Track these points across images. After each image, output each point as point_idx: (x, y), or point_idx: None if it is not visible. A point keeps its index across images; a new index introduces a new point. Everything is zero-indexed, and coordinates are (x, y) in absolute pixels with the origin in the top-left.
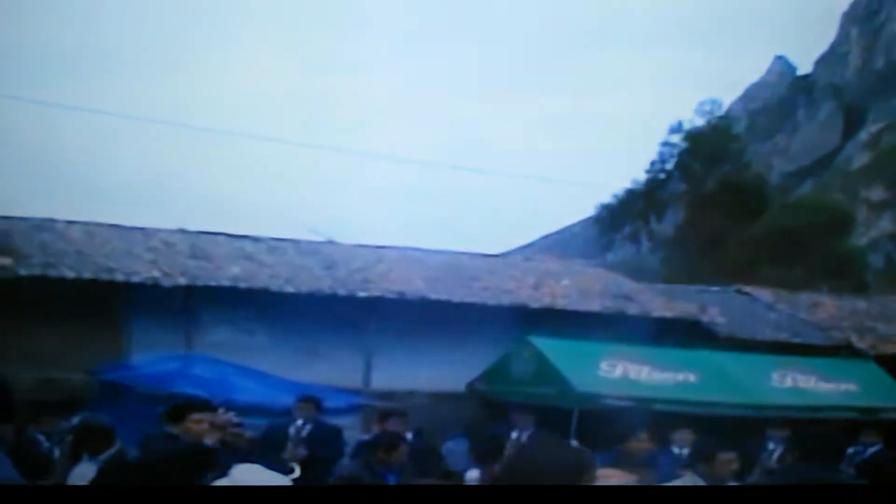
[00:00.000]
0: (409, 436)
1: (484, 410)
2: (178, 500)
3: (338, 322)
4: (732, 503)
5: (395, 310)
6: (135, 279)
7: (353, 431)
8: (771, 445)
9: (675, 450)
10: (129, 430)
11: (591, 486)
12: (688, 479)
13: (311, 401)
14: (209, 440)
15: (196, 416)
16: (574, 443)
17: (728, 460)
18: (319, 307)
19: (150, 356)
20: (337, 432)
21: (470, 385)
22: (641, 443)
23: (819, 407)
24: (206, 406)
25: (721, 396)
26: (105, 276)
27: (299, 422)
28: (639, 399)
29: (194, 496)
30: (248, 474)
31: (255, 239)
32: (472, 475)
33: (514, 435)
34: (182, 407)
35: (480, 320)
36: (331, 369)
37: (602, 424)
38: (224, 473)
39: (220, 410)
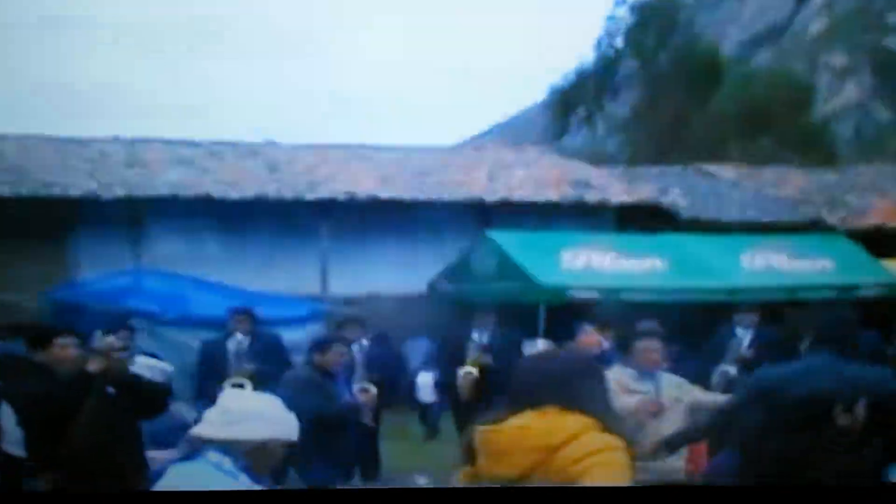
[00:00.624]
0: (361, 341)
1: (448, 311)
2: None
3: (289, 228)
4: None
5: (347, 212)
6: (73, 193)
7: None
8: (740, 332)
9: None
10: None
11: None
12: (616, 371)
13: (245, 313)
14: (92, 367)
15: (61, 340)
16: (542, 343)
17: (647, 349)
18: (268, 213)
19: (100, 273)
20: (278, 341)
21: (431, 285)
22: (590, 337)
23: (794, 287)
24: (71, 331)
25: (690, 282)
26: (43, 192)
27: (238, 336)
28: (605, 289)
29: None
30: (235, 401)
31: (193, 143)
32: (425, 379)
33: (475, 336)
34: (46, 332)
35: (437, 217)
36: (288, 277)
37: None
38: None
39: (98, 334)
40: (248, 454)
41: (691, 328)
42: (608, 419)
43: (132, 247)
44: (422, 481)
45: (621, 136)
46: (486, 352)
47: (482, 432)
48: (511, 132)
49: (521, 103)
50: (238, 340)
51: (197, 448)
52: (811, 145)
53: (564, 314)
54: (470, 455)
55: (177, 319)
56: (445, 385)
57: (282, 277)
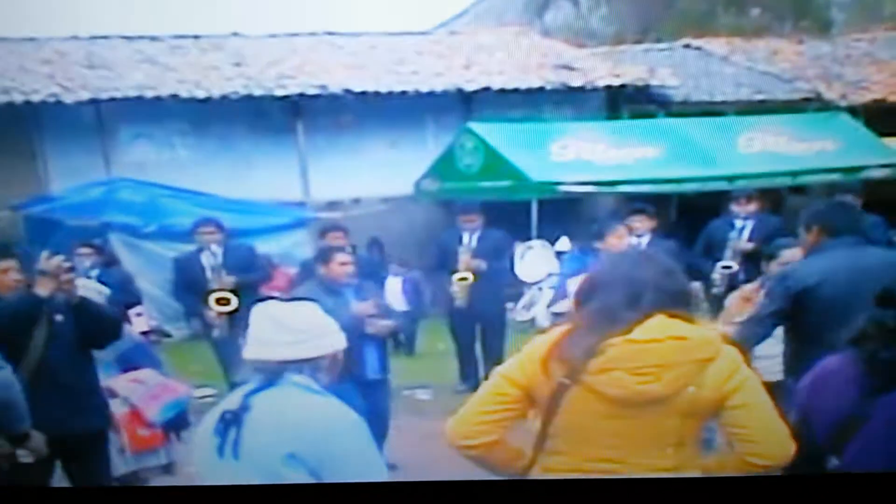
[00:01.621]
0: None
1: (436, 213)
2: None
3: (263, 126)
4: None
5: (321, 106)
6: (35, 98)
7: (302, 248)
8: (739, 223)
9: (633, 239)
10: None
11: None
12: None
13: (210, 223)
14: (42, 291)
15: (1, 264)
16: (538, 241)
17: (618, 234)
18: (239, 111)
19: (74, 185)
20: (251, 251)
21: (417, 185)
22: (621, 238)
23: (795, 171)
24: (12, 253)
25: (687, 170)
26: (3, 98)
27: (211, 247)
28: (599, 183)
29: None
30: (293, 316)
31: (154, 38)
32: (394, 285)
33: (464, 239)
34: None
35: (415, 109)
36: (267, 181)
37: (565, 216)
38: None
39: (45, 255)
40: (328, 369)
41: (686, 222)
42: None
43: (102, 154)
44: (424, 396)
45: (604, 9)
46: (476, 255)
47: (629, 344)
48: (489, 12)
49: None
50: (210, 254)
51: (272, 372)
52: (804, 13)
53: (557, 211)
54: (578, 369)
55: (157, 232)
56: (436, 294)
57: (260, 182)
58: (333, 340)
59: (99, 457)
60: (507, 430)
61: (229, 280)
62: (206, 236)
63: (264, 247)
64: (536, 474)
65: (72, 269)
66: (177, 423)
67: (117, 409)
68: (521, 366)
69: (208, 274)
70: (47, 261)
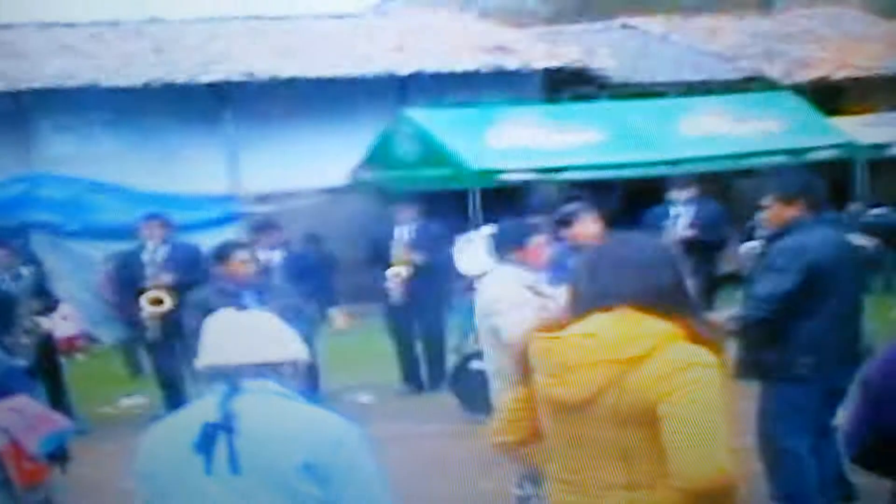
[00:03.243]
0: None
1: (376, 202)
2: None
3: (189, 116)
4: None
5: (249, 93)
6: None
7: None
8: (676, 210)
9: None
10: None
11: None
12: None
13: (156, 218)
14: None
15: None
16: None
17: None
18: (163, 100)
19: None
20: (196, 251)
21: (354, 174)
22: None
23: (740, 154)
24: None
25: (629, 155)
26: None
27: (150, 245)
28: (540, 170)
29: None
30: (242, 322)
31: (70, 25)
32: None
33: (399, 231)
34: None
35: (346, 95)
36: (194, 173)
37: (506, 206)
38: None
39: None
40: (287, 377)
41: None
42: (696, 324)
43: (21, 149)
44: (365, 400)
45: None
46: (412, 249)
47: (540, 341)
48: None
49: None
50: (151, 250)
51: (234, 376)
52: None
53: (497, 200)
54: (524, 370)
55: (80, 230)
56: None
57: (186, 174)
58: (294, 349)
59: None
60: (531, 430)
61: (167, 278)
62: (150, 230)
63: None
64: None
65: None
66: (58, 457)
67: None
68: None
69: (147, 271)
70: None
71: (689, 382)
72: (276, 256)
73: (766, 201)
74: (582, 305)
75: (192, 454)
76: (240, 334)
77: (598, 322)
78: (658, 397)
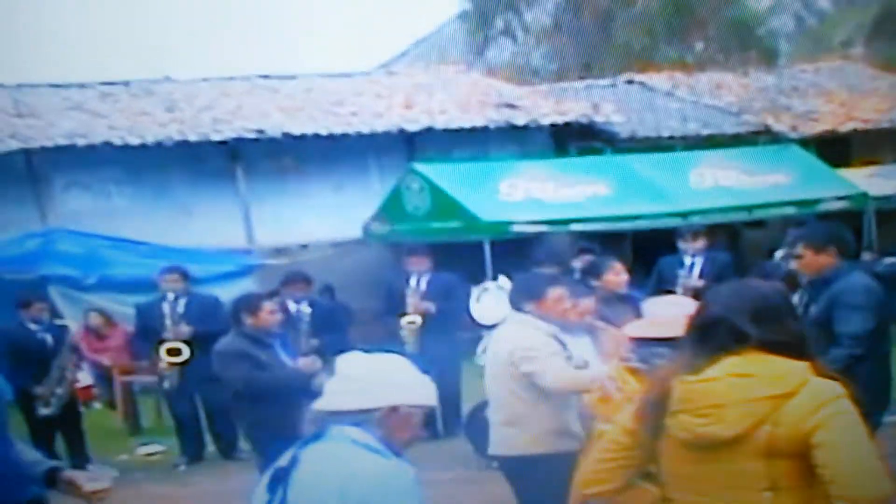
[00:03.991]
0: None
1: (387, 255)
2: None
3: (201, 172)
4: None
5: (260, 150)
6: None
7: None
8: (688, 261)
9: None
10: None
11: None
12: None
13: (175, 272)
14: None
15: None
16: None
17: (615, 271)
18: (175, 157)
19: (7, 237)
20: (216, 303)
21: (365, 228)
22: (619, 274)
23: (749, 206)
24: None
25: (639, 206)
26: None
27: (170, 296)
28: (551, 221)
29: None
30: (356, 366)
31: (82, 85)
32: None
33: (412, 281)
34: None
35: (357, 151)
36: (208, 228)
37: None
38: None
39: None
40: (380, 422)
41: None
42: (816, 362)
43: (36, 205)
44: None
45: (545, 46)
46: (426, 298)
47: (687, 385)
48: (430, 51)
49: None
50: (171, 302)
51: (323, 424)
52: (747, 44)
53: (509, 251)
54: (653, 412)
55: (97, 284)
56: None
57: (200, 229)
58: (394, 393)
59: None
60: (628, 477)
61: (185, 330)
62: (169, 284)
63: None
64: None
65: None
66: None
67: None
68: (634, 413)
69: (167, 322)
70: None
71: (839, 412)
72: (303, 307)
73: (797, 250)
74: (709, 348)
75: (265, 494)
76: (339, 378)
77: (742, 363)
78: (812, 428)
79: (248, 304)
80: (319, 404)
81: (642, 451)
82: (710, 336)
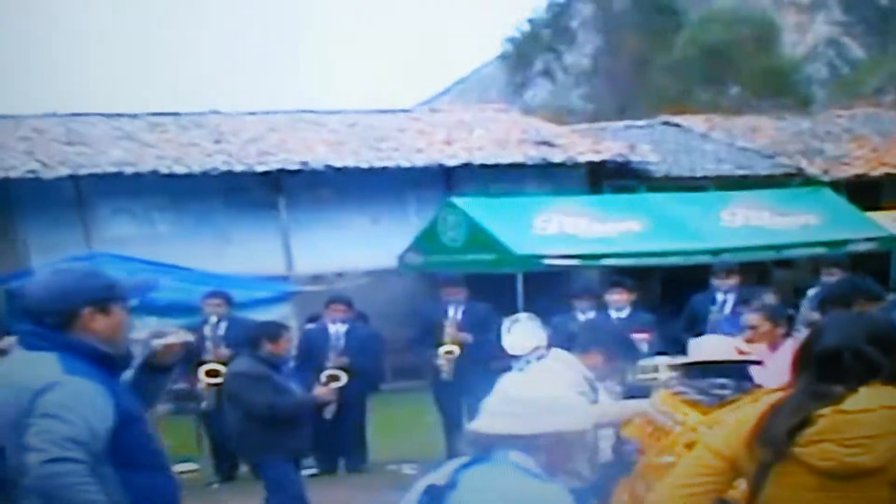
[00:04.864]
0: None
1: (422, 285)
2: None
3: (243, 202)
4: None
5: (302, 182)
6: (13, 174)
7: (287, 322)
8: (720, 297)
9: (613, 312)
10: None
11: None
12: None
13: (218, 296)
14: None
15: None
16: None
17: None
18: (219, 187)
19: (53, 260)
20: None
21: (401, 258)
22: (622, 295)
23: (779, 245)
24: None
25: (670, 244)
26: None
27: (213, 320)
28: (583, 256)
29: None
30: (521, 388)
31: (133, 116)
32: None
33: (450, 311)
34: None
35: (397, 184)
36: (247, 255)
37: (547, 287)
38: None
39: None
40: (544, 449)
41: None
42: None
43: (82, 230)
44: (410, 471)
45: (583, 87)
46: (461, 328)
47: (838, 415)
48: (471, 90)
49: (479, 59)
50: (213, 325)
51: (485, 447)
52: (782, 90)
53: (541, 284)
54: (777, 440)
55: (139, 307)
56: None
57: (240, 256)
58: (559, 419)
59: None
60: (715, 501)
61: (225, 353)
62: (212, 308)
63: None
64: None
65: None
66: None
67: None
68: (727, 438)
69: (207, 344)
70: None
71: None
72: (341, 329)
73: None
74: (840, 380)
75: None
76: (504, 401)
77: (891, 394)
78: None
79: (271, 331)
80: (482, 426)
81: (732, 476)
82: (837, 366)
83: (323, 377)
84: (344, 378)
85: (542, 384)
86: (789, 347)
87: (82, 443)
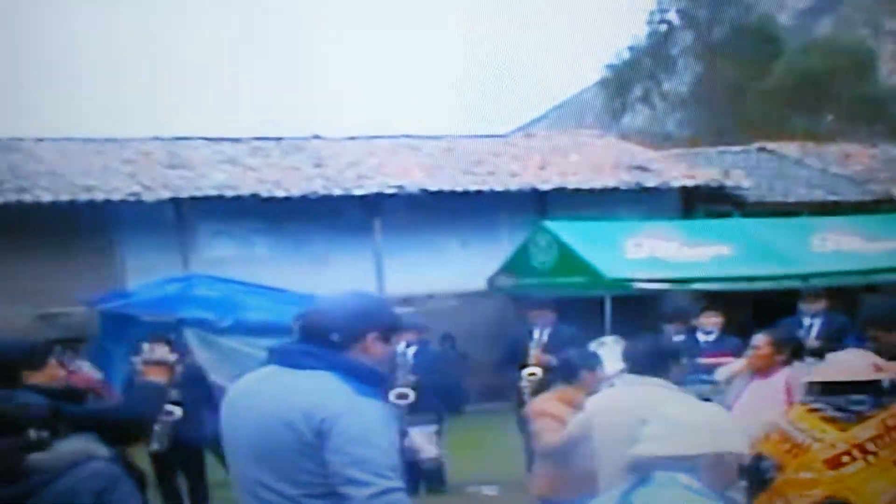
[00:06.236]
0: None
1: (511, 307)
2: None
3: (340, 224)
4: None
5: (398, 205)
6: (116, 196)
7: None
8: (807, 321)
9: (701, 335)
10: None
11: None
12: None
13: None
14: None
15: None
16: (611, 337)
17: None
18: (317, 210)
19: (150, 281)
20: None
21: (491, 281)
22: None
23: (868, 270)
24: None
25: (760, 268)
26: (84, 197)
27: None
28: (673, 280)
29: None
30: (683, 413)
31: (236, 140)
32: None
33: (535, 333)
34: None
35: (490, 208)
36: (341, 277)
37: (634, 311)
38: None
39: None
40: (705, 468)
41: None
42: None
43: (180, 251)
44: (489, 492)
45: (680, 113)
46: (547, 351)
47: None
48: (568, 115)
49: (577, 85)
50: None
51: (646, 470)
52: (877, 118)
53: (630, 307)
54: None
55: (232, 327)
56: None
57: (336, 277)
58: (719, 440)
59: None
60: None
61: None
62: None
63: None
64: None
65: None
66: None
67: None
68: None
69: None
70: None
71: None
72: (410, 351)
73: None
74: None
75: None
76: (660, 423)
77: None
78: None
79: None
80: (645, 450)
81: None
82: None
83: (392, 395)
84: (412, 396)
85: (701, 407)
86: (783, 376)
87: (398, 469)
